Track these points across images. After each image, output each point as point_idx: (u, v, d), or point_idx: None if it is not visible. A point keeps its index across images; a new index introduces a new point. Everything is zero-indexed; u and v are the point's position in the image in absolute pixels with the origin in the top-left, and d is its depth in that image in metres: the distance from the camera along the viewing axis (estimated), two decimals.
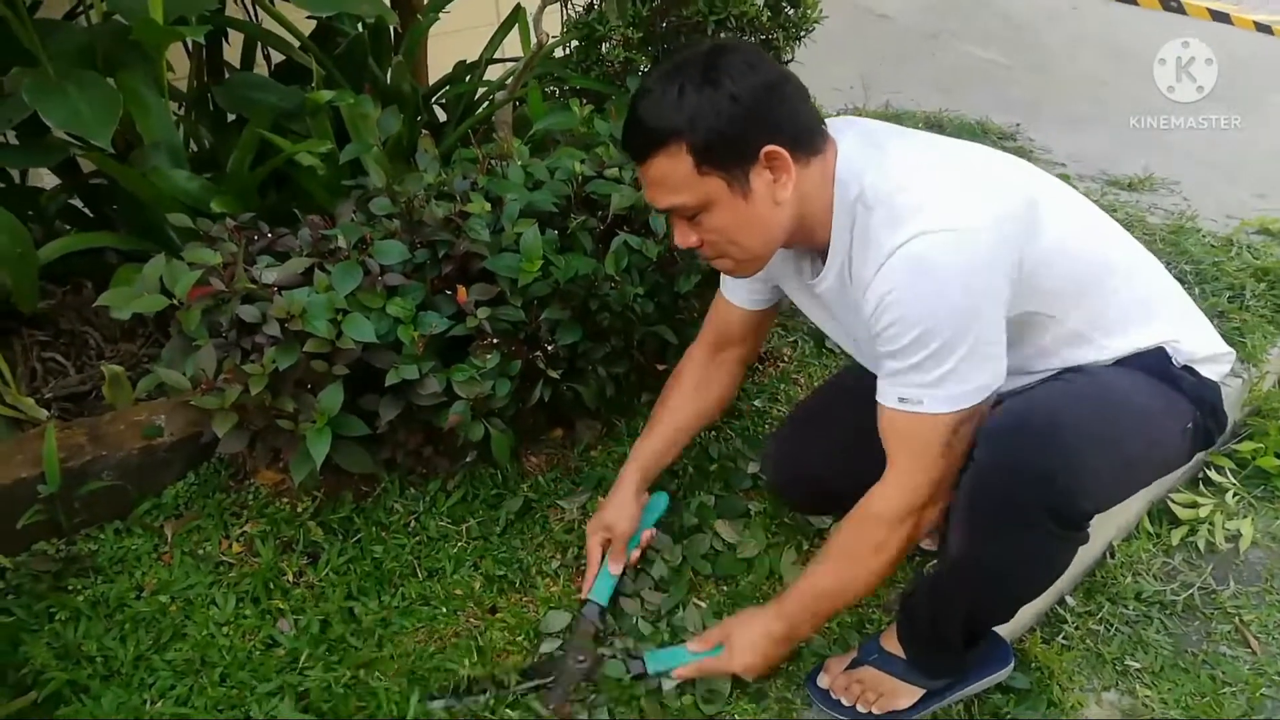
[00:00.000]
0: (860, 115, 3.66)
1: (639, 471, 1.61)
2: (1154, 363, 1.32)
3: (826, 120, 1.30)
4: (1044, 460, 1.16)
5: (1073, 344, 1.31)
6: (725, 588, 1.67)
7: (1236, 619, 1.79)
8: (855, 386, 1.46)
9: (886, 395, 1.23)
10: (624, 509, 1.59)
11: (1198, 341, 1.37)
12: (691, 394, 1.61)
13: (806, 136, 1.21)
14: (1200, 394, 1.33)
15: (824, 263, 1.30)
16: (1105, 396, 1.27)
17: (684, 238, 1.26)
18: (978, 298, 1.15)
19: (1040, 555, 1.27)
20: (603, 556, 1.59)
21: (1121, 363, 1.32)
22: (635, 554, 1.62)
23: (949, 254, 1.13)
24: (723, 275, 1.53)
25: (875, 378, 1.28)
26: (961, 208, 1.16)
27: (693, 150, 1.16)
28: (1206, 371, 1.36)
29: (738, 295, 1.54)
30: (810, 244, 1.30)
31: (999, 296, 1.17)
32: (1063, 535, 1.23)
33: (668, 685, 1.44)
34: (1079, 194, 1.38)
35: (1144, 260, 1.40)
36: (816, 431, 1.61)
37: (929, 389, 1.18)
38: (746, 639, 1.40)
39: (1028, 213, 1.22)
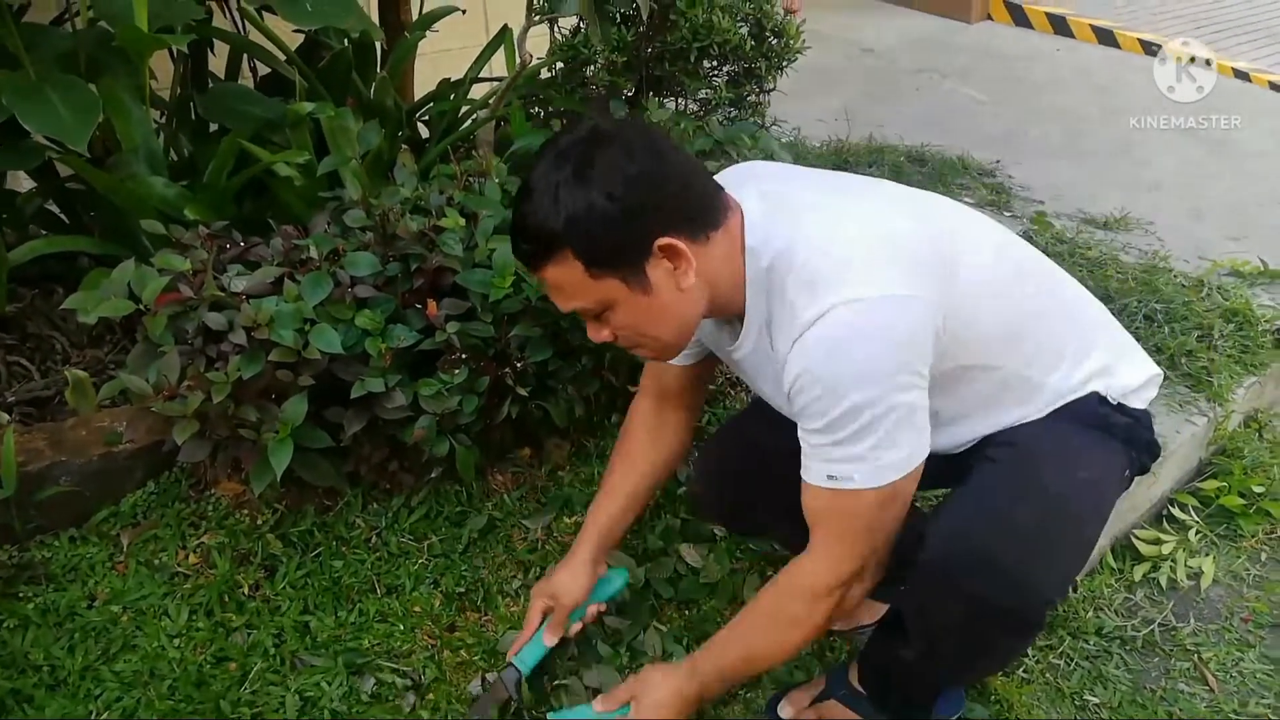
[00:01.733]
0: (844, 147, 3.72)
1: (596, 538, 1.50)
2: (1088, 412, 1.28)
3: (724, 174, 1.26)
4: (1010, 592, 1.14)
5: (1013, 388, 1.27)
6: (687, 612, 1.67)
7: (1196, 656, 1.79)
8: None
9: (813, 473, 1.18)
10: (574, 579, 1.48)
11: (1132, 370, 1.33)
12: (644, 451, 1.51)
13: (702, 216, 1.14)
14: (1133, 435, 1.30)
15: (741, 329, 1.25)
16: (1057, 483, 1.21)
17: (596, 334, 1.20)
18: (900, 366, 1.10)
19: (1005, 650, 1.32)
20: (540, 624, 1.49)
21: (1057, 415, 1.28)
22: (576, 627, 1.51)
23: (867, 325, 1.09)
24: None
25: None
26: (876, 274, 1.11)
27: (580, 256, 1.09)
28: (1138, 402, 1.32)
29: None
30: (727, 313, 1.24)
31: (923, 362, 1.13)
32: (1030, 634, 1.27)
33: None
34: (997, 225, 1.35)
35: (1072, 288, 1.36)
36: (742, 443, 1.54)
37: (856, 464, 1.13)
38: (656, 699, 1.32)
39: (944, 266, 1.17)
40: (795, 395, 1.14)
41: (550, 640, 1.47)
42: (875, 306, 1.09)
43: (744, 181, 1.23)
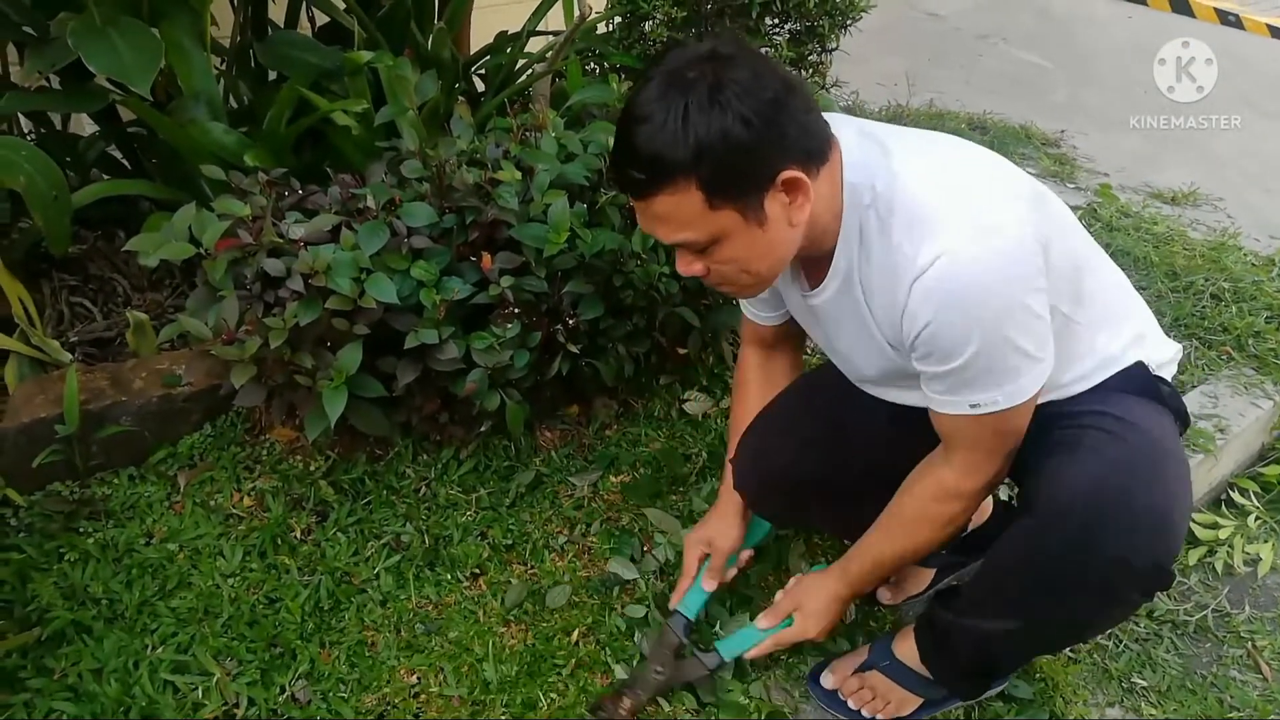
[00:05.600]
0: (904, 112, 3.64)
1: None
2: (1141, 382, 1.25)
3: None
4: (1148, 550, 1.12)
5: (1066, 337, 1.22)
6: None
7: (1249, 644, 1.76)
8: (824, 388, 1.43)
9: (950, 405, 1.16)
10: (728, 526, 1.52)
11: (1160, 342, 1.32)
12: (760, 397, 1.52)
13: (817, 148, 1.09)
14: (1177, 405, 1.28)
15: (821, 272, 1.21)
16: (1160, 450, 1.18)
17: (688, 267, 1.15)
18: (1024, 292, 1.08)
19: (1118, 620, 1.34)
20: (698, 571, 1.53)
21: (1111, 384, 1.25)
22: (731, 572, 1.55)
23: (987, 263, 1.05)
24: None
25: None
26: (987, 208, 1.08)
27: (703, 185, 1.03)
28: (1168, 374, 1.30)
29: (756, 315, 1.47)
30: (810, 253, 1.19)
31: (1043, 277, 1.10)
32: (1153, 593, 1.24)
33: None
34: None
35: (1101, 251, 1.33)
36: (785, 434, 1.49)
37: (999, 389, 1.12)
38: (818, 605, 1.40)
39: (1036, 195, 1.17)
40: (919, 344, 1.12)
41: (710, 586, 1.52)
42: (989, 245, 1.05)
43: (839, 121, 1.18)
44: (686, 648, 1.47)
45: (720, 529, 1.52)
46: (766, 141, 1.03)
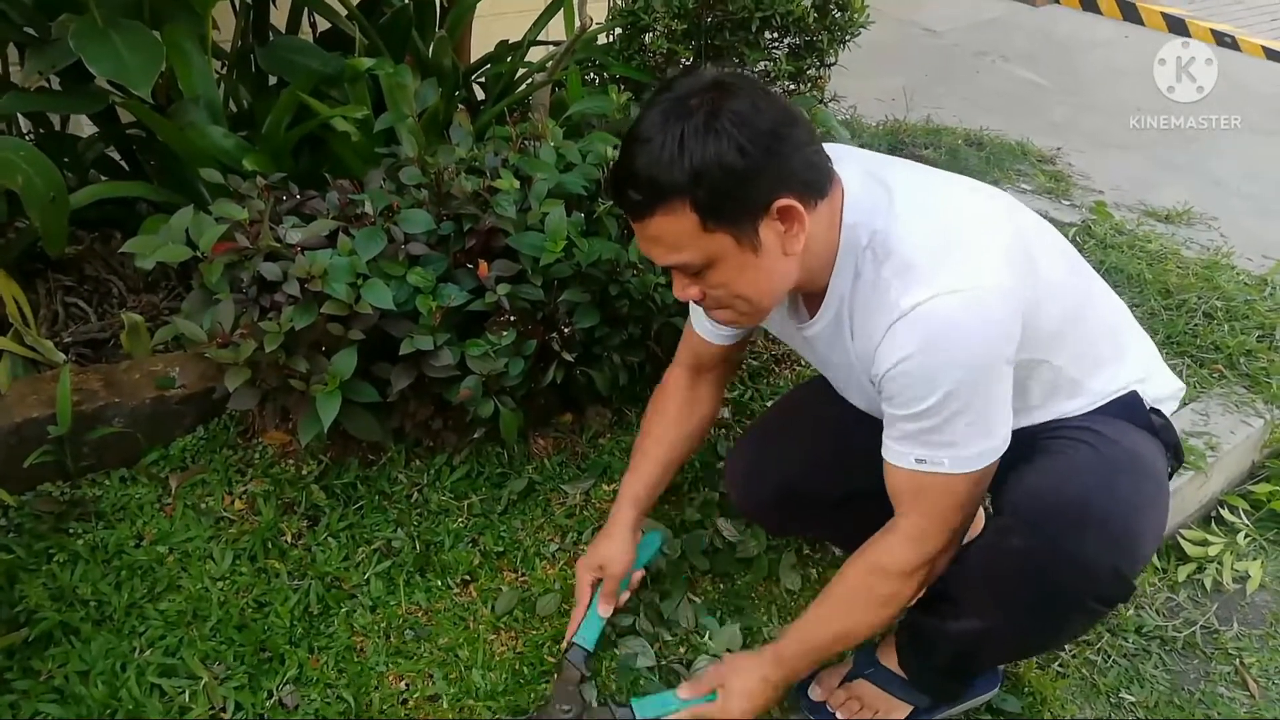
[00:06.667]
0: (901, 127, 3.66)
1: (633, 508, 1.50)
2: (1133, 411, 1.27)
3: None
4: (1112, 555, 1.13)
5: (1058, 389, 1.26)
6: (722, 585, 1.67)
7: (1237, 661, 1.76)
8: (823, 395, 1.43)
9: (900, 456, 1.18)
10: (618, 547, 1.48)
11: (1162, 380, 1.34)
12: (676, 420, 1.52)
13: (816, 181, 1.12)
14: (1168, 438, 1.29)
15: (817, 305, 1.23)
16: (1131, 463, 1.21)
17: (683, 291, 1.16)
18: (996, 357, 1.11)
19: (1080, 627, 1.33)
20: (591, 598, 1.49)
21: (1102, 411, 1.27)
22: (624, 595, 1.52)
23: (969, 316, 1.08)
24: (691, 309, 1.46)
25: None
26: (974, 263, 1.10)
27: (698, 208, 1.06)
28: (1167, 410, 1.32)
29: (708, 332, 1.45)
30: (806, 287, 1.22)
31: (1014, 349, 1.13)
32: (1115, 604, 1.25)
33: None
34: (1045, 222, 1.32)
35: (1103, 286, 1.35)
36: (781, 440, 1.53)
37: (949, 449, 1.14)
38: (744, 685, 1.34)
39: (1027, 259, 1.17)
40: (887, 381, 1.13)
41: (605, 611, 1.48)
42: (974, 297, 1.08)
43: (843, 157, 1.20)
44: (587, 678, 1.43)
45: (611, 553, 1.48)
46: (761, 169, 1.06)
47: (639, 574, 1.55)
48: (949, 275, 1.09)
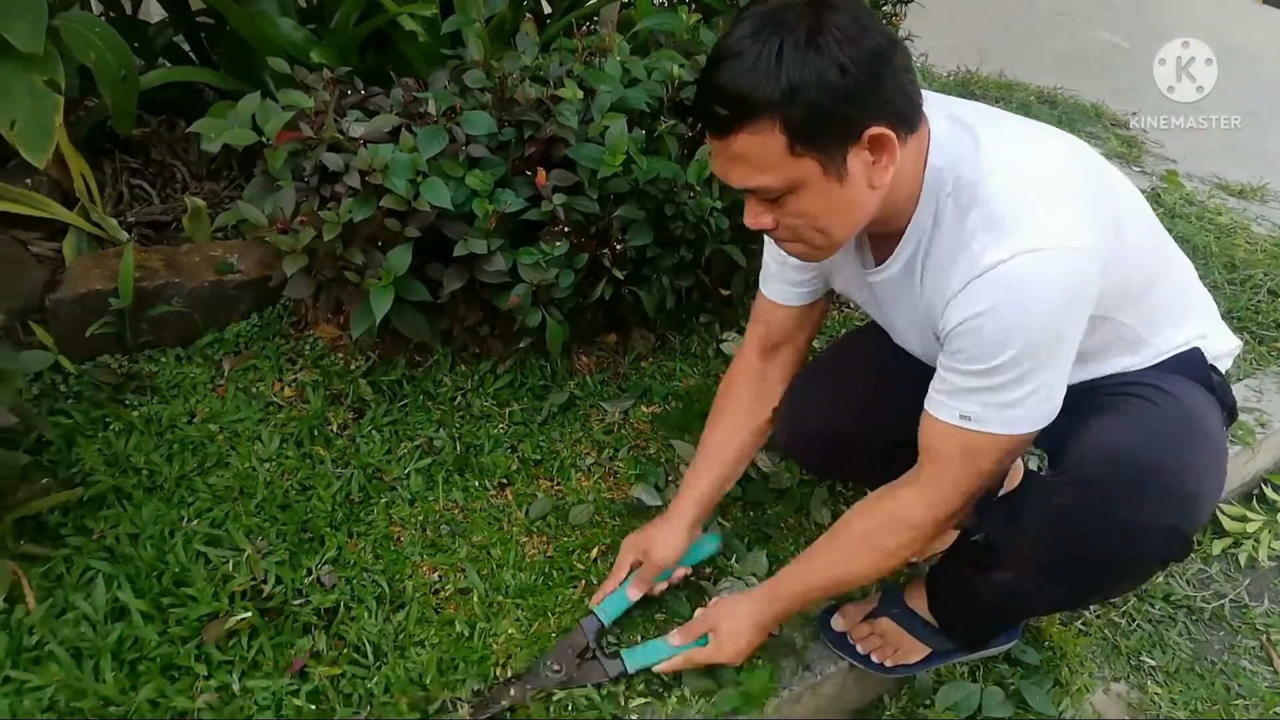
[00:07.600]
0: (973, 79, 3.56)
1: (696, 505, 1.45)
2: (1195, 368, 1.24)
3: None
4: (1166, 515, 1.10)
5: (1122, 343, 1.23)
6: (752, 513, 1.68)
7: (1265, 636, 1.75)
8: (878, 342, 1.40)
9: (945, 409, 1.14)
10: (671, 540, 1.43)
11: (1221, 337, 1.31)
12: (749, 410, 1.47)
13: (909, 114, 1.06)
14: (1225, 396, 1.27)
15: (886, 250, 1.19)
16: (1194, 423, 1.17)
17: (757, 219, 1.10)
18: (1072, 321, 1.07)
19: (1132, 585, 1.33)
20: (627, 575, 1.45)
21: (1164, 366, 1.24)
22: (661, 586, 1.47)
23: (1051, 277, 1.03)
24: (762, 273, 1.42)
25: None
26: (1060, 221, 1.05)
27: (788, 128, 0.99)
28: (1223, 367, 1.30)
29: (782, 292, 1.40)
30: (879, 228, 1.16)
31: (1088, 313, 1.09)
32: (1170, 562, 1.24)
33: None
34: (1126, 178, 1.27)
35: (1175, 248, 1.31)
36: (833, 385, 1.47)
37: (999, 410, 1.10)
38: (734, 627, 1.32)
39: (1112, 218, 1.12)
40: (955, 336, 1.10)
41: (634, 595, 1.44)
42: (1057, 259, 1.03)
43: (933, 101, 1.14)
44: (593, 650, 1.38)
45: (660, 541, 1.43)
46: (862, 92, 0.99)
47: (682, 571, 1.49)
48: (1032, 232, 1.04)
